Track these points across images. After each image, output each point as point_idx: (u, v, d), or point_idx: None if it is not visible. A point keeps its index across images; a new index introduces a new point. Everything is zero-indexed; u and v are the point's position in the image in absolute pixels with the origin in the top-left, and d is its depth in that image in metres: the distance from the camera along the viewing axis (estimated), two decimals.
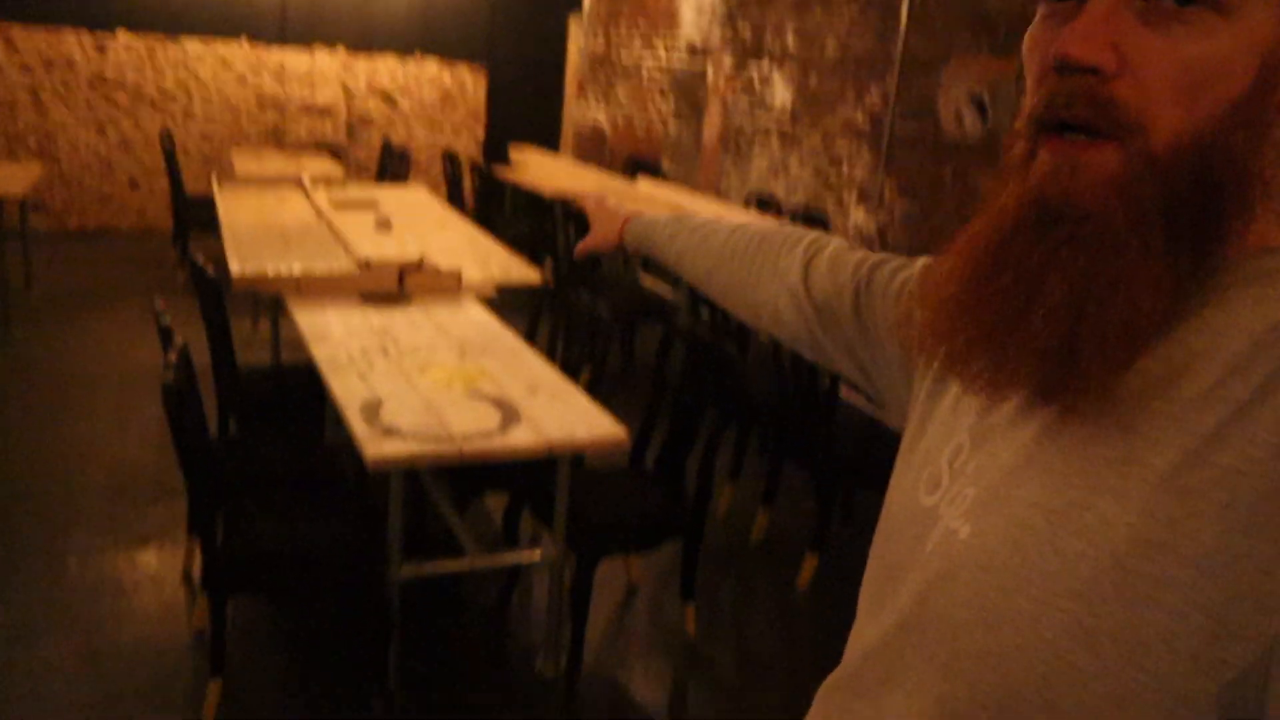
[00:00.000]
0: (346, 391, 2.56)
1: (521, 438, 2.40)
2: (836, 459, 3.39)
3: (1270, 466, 0.55)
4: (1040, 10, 0.68)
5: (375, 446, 2.26)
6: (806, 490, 3.68)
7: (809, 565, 3.36)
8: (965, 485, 0.72)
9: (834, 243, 1.09)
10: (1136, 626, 0.57)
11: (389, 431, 2.33)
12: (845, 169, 6.05)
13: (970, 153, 5.15)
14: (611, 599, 3.21)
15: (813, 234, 1.12)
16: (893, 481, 0.83)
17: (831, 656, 0.83)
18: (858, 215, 5.95)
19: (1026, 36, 0.69)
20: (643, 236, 1.38)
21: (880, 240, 5.76)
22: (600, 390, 3.13)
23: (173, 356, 2.42)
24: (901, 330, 0.83)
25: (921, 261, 0.96)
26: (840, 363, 1.04)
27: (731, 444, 3.74)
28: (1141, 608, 0.57)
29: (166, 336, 2.63)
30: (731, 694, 2.86)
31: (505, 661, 2.87)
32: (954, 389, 0.79)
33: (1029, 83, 0.68)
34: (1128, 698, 0.58)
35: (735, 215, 5.69)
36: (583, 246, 1.49)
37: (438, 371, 2.75)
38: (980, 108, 5.09)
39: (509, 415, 2.50)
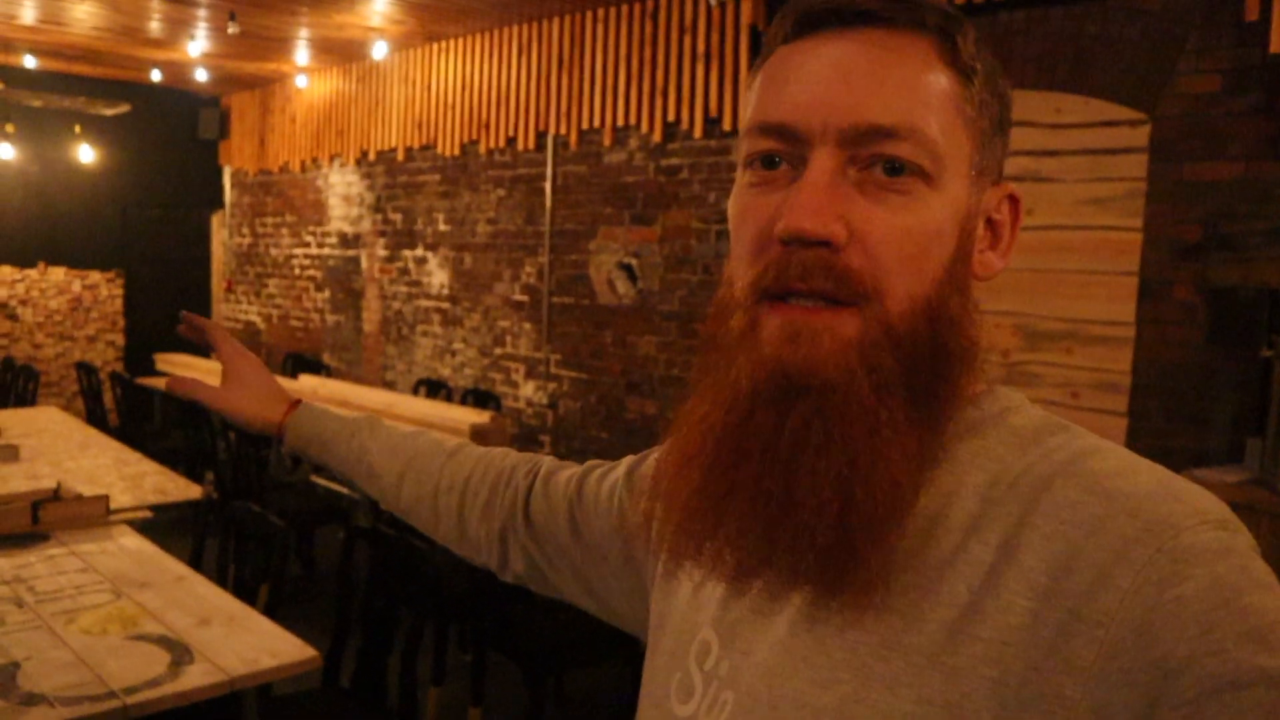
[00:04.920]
0: None
1: (197, 678, 2.14)
2: (540, 642, 3.31)
3: (1031, 634, 0.54)
4: (745, 177, 0.67)
5: None
6: (515, 679, 3.55)
7: None
8: (722, 689, 0.67)
9: (544, 464, 1.03)
10: None
11: (29, 700, 2.00)
12: (509, 344, 6.17)
13: (626, 315, 5.42)
14: None
15: (526, 463, 1.04)
16: (642, 690, 0.77)
17: None
18: (527, 389, 6.05)
19: (733, 202, 0.68)
20: (315, 432, 1.10)
21: (553, 410, 5.87)
22: (282, 608, 2.89)
23: None
24: (640, 530, 0.76)
25: (626, 461, 0.93)
26: (567, 589, 0.99)
27: (430, 643, 3.56)
28: None
29: None
30: None
31: None
32: (689, 580, 0.74)
33: (742, 250, 0.66)
34: None
35: (407, 405, 5.60)
36: (207, 397, 1.12)
37: (88, 617, 2.42)
38: (630, 273, 5.40)
39: (179, 655, 2.24)
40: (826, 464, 0.59)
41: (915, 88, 0.62)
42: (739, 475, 0.62)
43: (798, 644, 0.63)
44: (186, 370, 7.17)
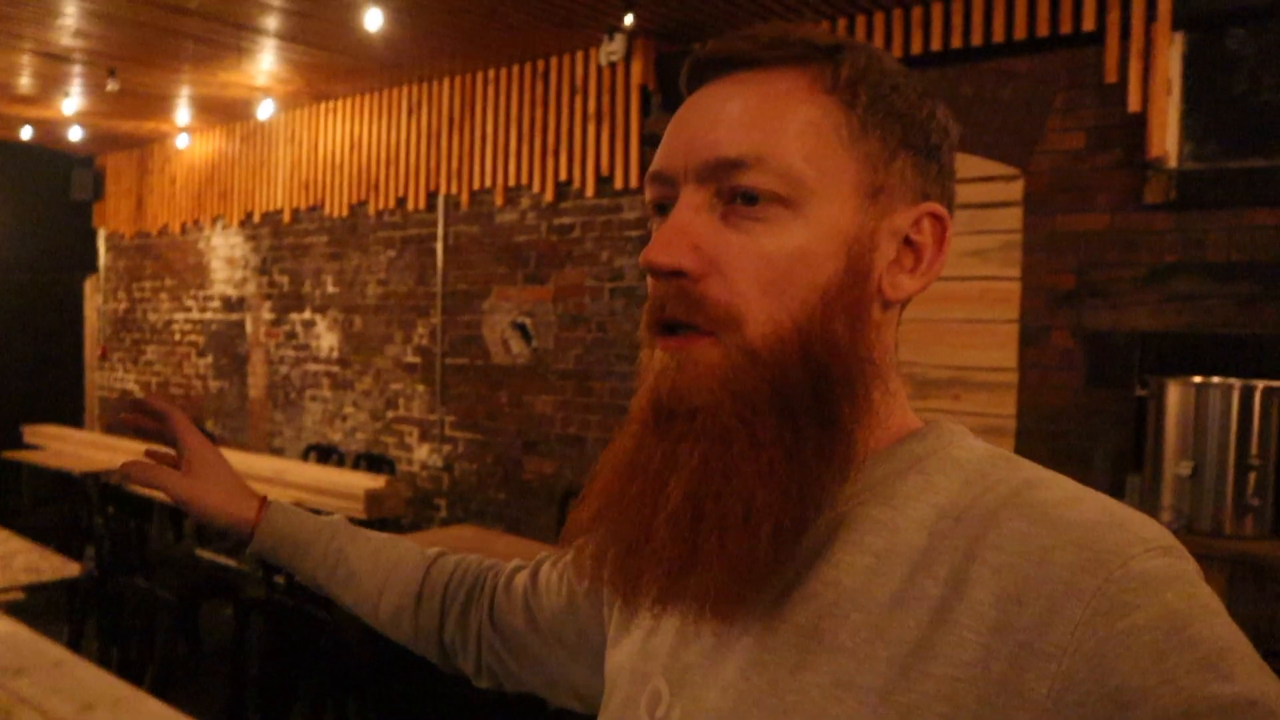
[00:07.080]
0: None
1: None
2: (450, 711, 3.22)
3: (983, 669, 0.54)
4: (653, 225, 0.70)
5: None
6: None
7: None
8: None
9: (512, 565, 1.02)
10: None
11: None
12: (402, 406, 6.06)
13: (521, 375, 5.38)
14: None
15: (501, 565, 1.03)
16: None
17: None
18: (422, 452, 5.94)
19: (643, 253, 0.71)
20: (290, 532, 1.02)
21: (449, 472, 5.77)
22: (171, 689, 2.75)
23: None
24: (589, 595, 0.80)
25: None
26: (533, 683, 0.98)
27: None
28: None
29: None
30: None
31: None
32: (639, 632, 0.75)
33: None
34: None
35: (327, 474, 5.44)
36: (171, 485, 1.00)
37: None
38: (524, 332, 5.38)
39: None
40: (683, 481, 0.62)
41: (769, 119, 0.64)
42: (625, 499, 0.65)
43: (750, 687, 0.62)
44: (60, 442, 6.83)
